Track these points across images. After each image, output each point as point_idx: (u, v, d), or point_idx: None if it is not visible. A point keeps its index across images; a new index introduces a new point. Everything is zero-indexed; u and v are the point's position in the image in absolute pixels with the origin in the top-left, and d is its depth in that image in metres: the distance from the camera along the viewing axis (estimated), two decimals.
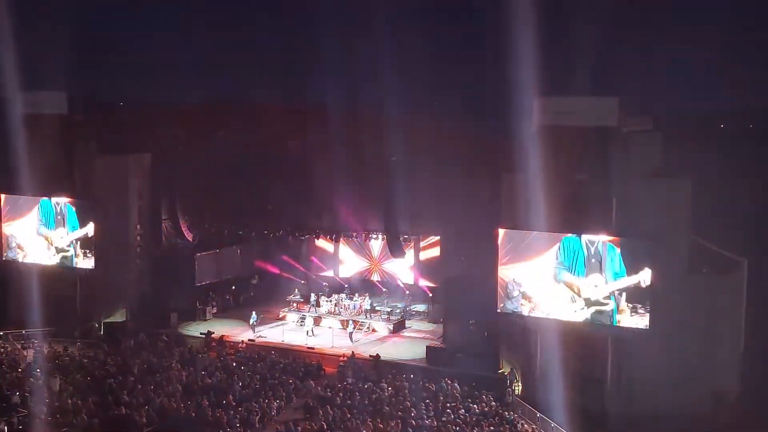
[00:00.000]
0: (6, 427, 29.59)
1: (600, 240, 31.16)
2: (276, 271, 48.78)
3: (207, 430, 29.48)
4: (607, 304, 30.89)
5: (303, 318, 43.28)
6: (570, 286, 32.36)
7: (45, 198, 43.75)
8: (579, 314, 31.95)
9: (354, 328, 42.02)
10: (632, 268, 30.53)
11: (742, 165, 36.53)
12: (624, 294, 30.63)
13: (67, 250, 43.68)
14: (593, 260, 30.43)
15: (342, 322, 42.98)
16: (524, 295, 34.01)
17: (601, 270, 31.01)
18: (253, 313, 43.04)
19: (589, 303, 32.03)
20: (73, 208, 43.20)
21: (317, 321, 43.17)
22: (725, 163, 36.65)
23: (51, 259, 44.14)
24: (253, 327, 42.27)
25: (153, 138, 45.16)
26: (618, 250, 30.07)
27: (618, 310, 30.79)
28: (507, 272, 34.68)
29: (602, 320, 31.18)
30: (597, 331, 31.25)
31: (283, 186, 43.29)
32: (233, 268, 48.65)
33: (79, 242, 43.37)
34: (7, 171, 43.31)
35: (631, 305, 30.43)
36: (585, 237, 31.35)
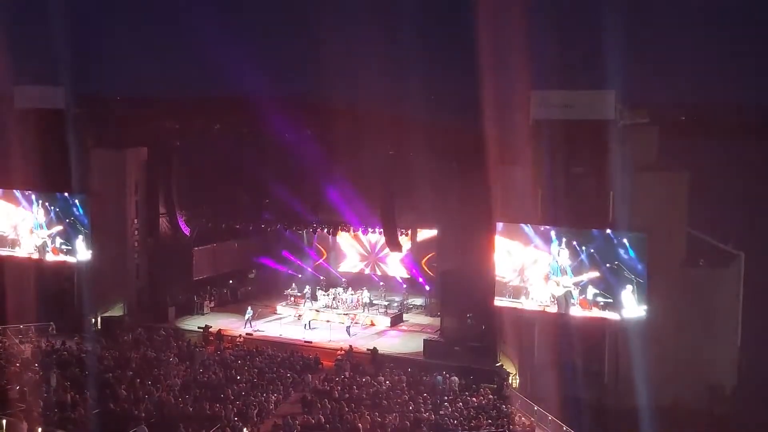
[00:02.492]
0: (5, 422, 29.65)
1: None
2: (273, 265, 48.81)
3: (205, 424, 29.51)
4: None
5: (300, 313, 43.33)
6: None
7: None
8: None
9: (352, 322, 42.07)
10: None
11: (738, 158, 36.58)
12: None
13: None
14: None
15: (340, 315, 43.06)
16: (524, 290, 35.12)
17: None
18: (248, 308, 43.06)
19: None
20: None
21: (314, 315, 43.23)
22: (722, 156, 36.71)
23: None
24: (248, 322, 42.28)
25: (149, 132, 45.12)
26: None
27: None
28: (508, 266, 35.26)
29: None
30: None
31: (279, 180, 43.30)
32: (230, 262, 48.66)
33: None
34: (2, 166, 43.27)
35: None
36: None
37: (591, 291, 33.81)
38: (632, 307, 32.81)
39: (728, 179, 36.82)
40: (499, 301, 35.48)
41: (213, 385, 33.18)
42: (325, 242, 48.77)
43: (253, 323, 42.34)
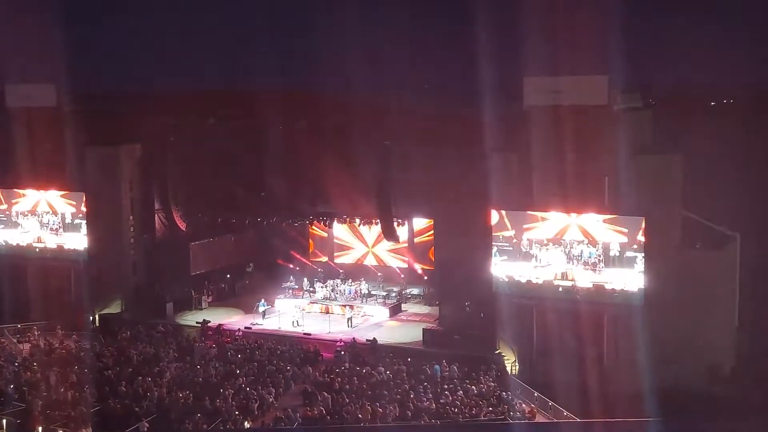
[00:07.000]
0: (5, 422, 29.64)
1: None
2: (271, 258, 48.74)
3: (206, 418, 29.52)
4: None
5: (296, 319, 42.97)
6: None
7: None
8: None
9: (352, 313, 42.01)
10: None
11: (732, 140, 36.57)
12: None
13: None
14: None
15: (340, 307, 43.01)
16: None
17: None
18: (262, 300, 42.85)
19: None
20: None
21: (324, 309, 43.13)
22: (716, 138, 36.67)
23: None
24: (263, 314, 42.10)
25: (143, 128, 44.96)
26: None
27: None
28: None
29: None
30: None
31: (275, 172, 43.20)
32: (228, 256, 48.57)
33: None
34: None
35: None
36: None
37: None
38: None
39: (723, 161, 36.78)
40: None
41: (213, 380, 33.18)
42: (321, 234, 48.69)
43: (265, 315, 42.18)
